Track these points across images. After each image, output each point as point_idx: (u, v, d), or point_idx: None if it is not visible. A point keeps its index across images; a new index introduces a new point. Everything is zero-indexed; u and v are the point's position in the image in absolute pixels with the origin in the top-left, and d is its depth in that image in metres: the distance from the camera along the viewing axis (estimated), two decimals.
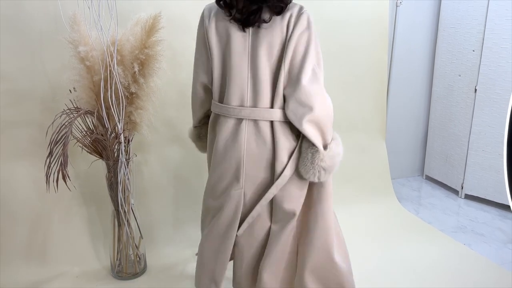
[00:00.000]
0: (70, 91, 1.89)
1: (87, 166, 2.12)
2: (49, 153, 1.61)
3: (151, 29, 1.84)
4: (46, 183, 1.59)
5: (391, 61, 3.17)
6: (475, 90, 2.94)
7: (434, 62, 3.32)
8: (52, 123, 1.68)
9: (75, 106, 1.86)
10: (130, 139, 2.04)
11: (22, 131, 2.12)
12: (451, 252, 2.40)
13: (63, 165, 1.60)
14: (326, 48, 2.85)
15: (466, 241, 2.55)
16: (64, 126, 1.66)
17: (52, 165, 1.61)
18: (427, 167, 3.50)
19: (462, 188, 3.14)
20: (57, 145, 1.62)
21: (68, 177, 1.60)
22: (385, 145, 3.09)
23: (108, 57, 1.78)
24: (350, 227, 2.66)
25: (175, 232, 2.43)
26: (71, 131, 1.64)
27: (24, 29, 2.05)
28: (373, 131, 3.04)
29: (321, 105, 1.40)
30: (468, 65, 3.00)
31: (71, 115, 1.76)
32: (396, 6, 3.06)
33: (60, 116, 1.70)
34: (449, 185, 3.28)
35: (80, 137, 1.83)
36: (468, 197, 3.14)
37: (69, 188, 1.65)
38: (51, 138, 1.63)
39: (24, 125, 2.12)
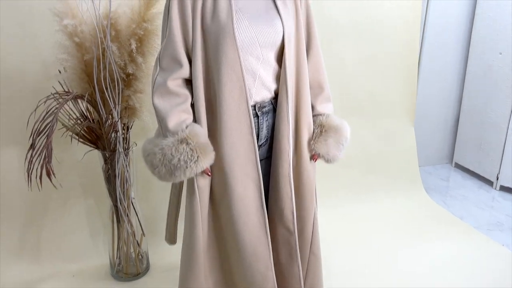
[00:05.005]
0: (59, 71, 1.65)
1: (84, 154, 1.90)
2: (31, 145, 1.39)
3: None
4: (27, 180, 1.38)
5: (422, 36, 2.85)
6: None
7: (470, 37, 2.98)
8: (35, 110, 1.44)
9: (65, 90, 1.63)
10: (130, 126, 1.81)
11: (11, 117, 1.91)
12: (486, 252, 2.14)
13: (47, 159, 1.37)
14: (351, 22, 2.57)
15: (503, 240, 2.29)
16: (48, 113, 1.42)
17: (34, 159, 1.38)
18: (457, 155, 3.21)
19: (497, 179, 2.85)
20: (40, 136, 1.39)
21: (53, 172, 1.38)
22: (414, 133, 2.81)
23: (101, 33, 1.53)
24: (374, 219, 2.44)
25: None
26: (57, 120, 1.41)
27: None
28: (401, 115, 2.75)
29: None
30: (510, 42, 2.66)
31: (59, 100, 1.53)
32: None
33: (45, 102, 1.47)
34: (482, 175, 2.99)
35: (70, 126, 1.60)
36: (504, 189, 2.86)
37: (54, 186, 1.43)
38: (33, 128, 1.40)
39: (14, 110, 1.90)
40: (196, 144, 1.20)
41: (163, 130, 1.23)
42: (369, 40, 2.54)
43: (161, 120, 1.22)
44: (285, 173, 1.30)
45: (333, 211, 2.45)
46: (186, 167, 1.20)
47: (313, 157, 1.37)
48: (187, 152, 1.19)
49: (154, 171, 1.24)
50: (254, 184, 1.27)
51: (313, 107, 1.38)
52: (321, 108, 1.39)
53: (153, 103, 1.22)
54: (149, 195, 2.17)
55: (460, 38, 3.02)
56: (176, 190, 1.42)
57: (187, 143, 1.19)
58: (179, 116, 1.21)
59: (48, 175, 1.38)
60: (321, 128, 1.36)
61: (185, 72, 1.22)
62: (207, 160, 1.23)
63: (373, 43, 2.56)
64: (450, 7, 2.91)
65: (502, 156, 2.78)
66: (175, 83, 1.22)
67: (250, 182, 1.26)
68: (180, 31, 1.20)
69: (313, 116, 1.38)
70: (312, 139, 1.35)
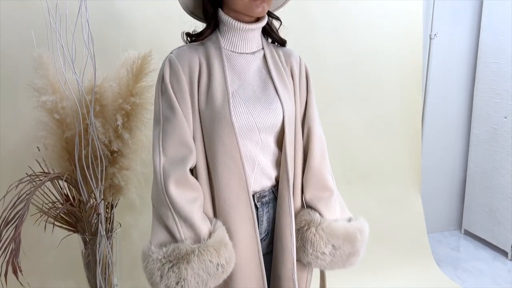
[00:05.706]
0: (38, 149, 1.51)
1: (61, 240, 1.71)
2: None
3: (139, 72, 1.47)
4: None
5: (424, 100, 2.77)
6: None
7: (473, 101, 2.90)
8: (4, 197, 1.28)
9: (43, 170, 1.48)
10: (114, 204, 1.65)
11: None
12: None
13: (14, 253, 1.20)
14: (352, 86, 2.50)
15: None
16: (19, 200, 1.26)
17: None
18: (466, 221, 3.03)
19: None
20: (8, 226, 1.23)
21: (20, 270, 1.20)
22: (421, 199, 2.65)
23: (83, 109, 1.41)
24: None
25: None
26: (28, 208, 1.25)
27: None
28: (406, 182, 2.61)
29: None
30: None
31: (34, 182, 1.38)
32: (430, 38, 2.68)
33: (16, 187, 1.31)
34: (495, 244, 2.79)
35: (46, 210, 1.44)
36: None
37: (22, 285, 1.24)
38: (0, 217, 1.24)
39: None
40: (229, 244, 1.03)
41: (184, 230, 1.00)
42: (370, 105, 2.45)
43: (184, 218, 0.99)
44: (288, 275, 1.12)
45: None
46: (222, 272, 1.00)
47: None
48: (226, 255, 1.00)
49: (174, 287, 0.97)
50: (257, 285, 1.09)
51: (303, 195, 1.17)
52: (313, 199, 1.15)
53: (167, 194, 0.99)
54: (135, 275, 1.97)
55: (462, 101, 2.95)
56: None
57: (225, 244, 1.01)
58: (200, 213, 1.03)
59: (15, 272, 1.20)
60: (301, 225, 1.13)
61: (194, 159, 1.05)
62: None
63: (375, 109, 2.47)
64: (451, 71, 2.86)
65: None
66: (188, 172, 1.03)
67: (252, 283, 1.09)
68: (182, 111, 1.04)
69: (305, 206, 1.18)
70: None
